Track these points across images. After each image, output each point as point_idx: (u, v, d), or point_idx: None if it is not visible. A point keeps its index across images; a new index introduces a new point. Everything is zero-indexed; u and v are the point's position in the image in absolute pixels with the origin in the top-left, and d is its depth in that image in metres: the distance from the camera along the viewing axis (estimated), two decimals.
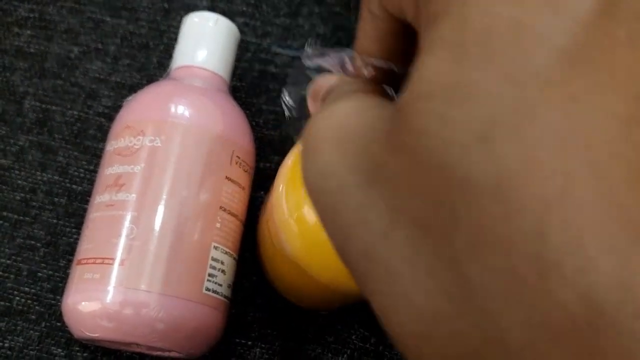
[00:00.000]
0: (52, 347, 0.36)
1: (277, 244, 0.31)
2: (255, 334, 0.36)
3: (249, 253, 0.37)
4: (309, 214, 0.27)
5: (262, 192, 0.39)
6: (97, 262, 0.30)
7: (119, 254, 0.30)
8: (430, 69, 0.13)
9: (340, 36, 0.44)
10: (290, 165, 0.30)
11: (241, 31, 0.43)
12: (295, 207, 0.28)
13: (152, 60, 0.42)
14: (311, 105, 0.22)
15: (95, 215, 0.32)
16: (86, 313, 0.30)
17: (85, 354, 0.35)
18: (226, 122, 0.34)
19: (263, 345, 0.36)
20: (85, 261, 0.31)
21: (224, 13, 0.43)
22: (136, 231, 0.30)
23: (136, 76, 0.42)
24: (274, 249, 0.31)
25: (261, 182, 0.39)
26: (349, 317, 0.37)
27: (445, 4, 0.13)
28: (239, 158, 0.33)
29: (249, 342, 0.36)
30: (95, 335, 0.30)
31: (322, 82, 0.21)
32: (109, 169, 0.33)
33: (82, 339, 0.32)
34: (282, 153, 0.40)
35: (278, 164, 0.40)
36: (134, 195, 0.31)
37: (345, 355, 0.37)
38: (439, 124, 0.12)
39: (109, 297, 0.30)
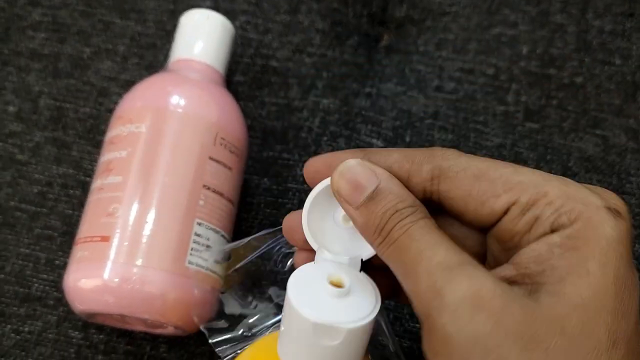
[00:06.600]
0: (70, 331, 0.37)
1: None
2: None
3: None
4: None
5: (264, 179, 0.41)
6: (87, 240, 0.33)
7: (106, 232, 0.32)
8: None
9: (339, 31, 0.46)
10: None
11: (243, 29, 0.45)
12: None
13: (159, 58, 0.44)
14: (352, 196, 0.23)
15: (90, 199, 0.34)
16: (81, 288, 0.32)
17: (101, 336, 0.37)
18: (208, 106, 0.35)
19: None
20: (80, 240, 0.33)
21: (226, 12, 0.45)
22: (120, 209, 0.32)
23: (144, 74, 0.44)
24: None
25: (264, 170, 0.41)
26: None
27: None
28: (223, 139, 0.35)
29: None
30: (88, 308, 0.33)
31: (363, 177, 0.23)
32: (102, 157, 0.35)
33: (81, 313, 0.34)
34: (284, 142, 0.42)
35: (280, 152, 0.42)
36: (119, 177, 0.33)
37: None
38: None
39: (99, 272, 0.32)
